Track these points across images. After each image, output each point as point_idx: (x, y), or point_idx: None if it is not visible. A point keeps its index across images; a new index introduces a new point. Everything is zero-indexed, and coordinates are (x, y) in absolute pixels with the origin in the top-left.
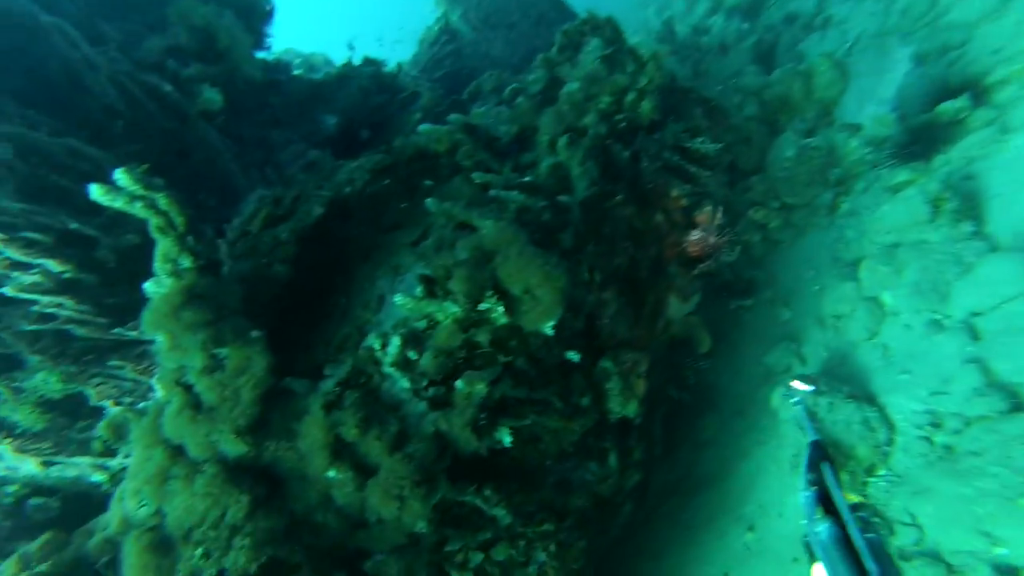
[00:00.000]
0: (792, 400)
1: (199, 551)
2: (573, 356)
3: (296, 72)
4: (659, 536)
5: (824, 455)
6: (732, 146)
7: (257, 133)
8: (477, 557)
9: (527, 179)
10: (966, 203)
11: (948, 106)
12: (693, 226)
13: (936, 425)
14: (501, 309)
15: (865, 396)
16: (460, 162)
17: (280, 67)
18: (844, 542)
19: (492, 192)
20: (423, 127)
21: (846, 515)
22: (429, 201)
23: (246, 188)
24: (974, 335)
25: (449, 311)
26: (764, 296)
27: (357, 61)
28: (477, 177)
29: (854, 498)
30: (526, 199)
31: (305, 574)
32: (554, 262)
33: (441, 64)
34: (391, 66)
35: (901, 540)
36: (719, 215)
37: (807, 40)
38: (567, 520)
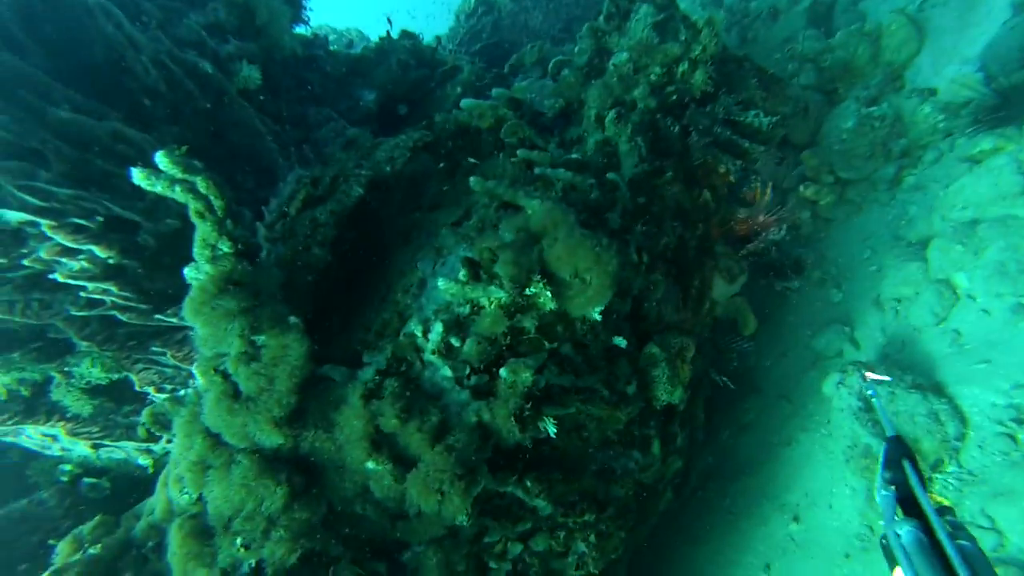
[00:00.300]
0: (868, 392)
1: (239, 541)
2: (620, 342)
3: (332, 47)
4: (698, 521)
5: (906, 451)
6: (787, 119)
7: (295, 111)
8: (516, 548)
9: (574, 156)
10: None
11: None
12: (741, 204)
13: (1021, 421)
14: (548, 294)
15: (931, 386)
16: (504, 138)
17: (318, 42)
18: (930, 547)
19: (538, 170)
20: (465, 102)
21: (933, 518)
22: (472, 180)
23: (284, 168)
24: None
25: (494, 296)
26: (812, 277)
27: (394, 35)
28: (522, 154)
29: (943, 500)
30: (573, 177)
31: (344, 566)
32: (605, 244)
33: (478, 37)
34: (428, 40)
35: (983, 546)
36: (768, 192)
37: None
38: (608, 510)
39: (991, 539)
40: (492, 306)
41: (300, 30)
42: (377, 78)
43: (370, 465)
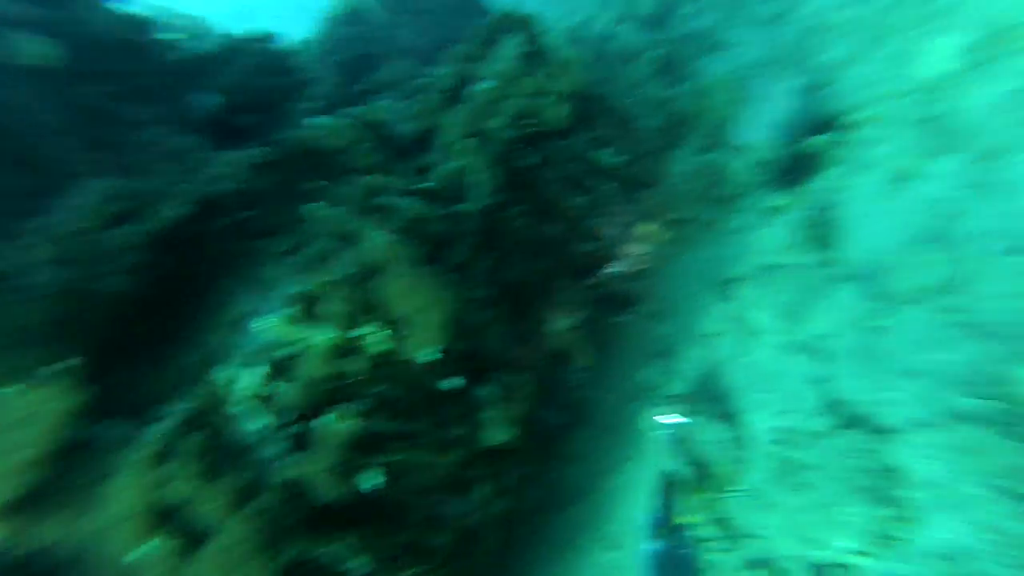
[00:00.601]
0: (663, 431)
1: None
2: (454, 383)
3: (171, 36)
4: (522, 556)
5: (671, 482)
6: (637, 159)
7: (109, 105)
8: None
9: (425, 185)
10: (824, 231)
11: (816, 140)
12: (587, 239)
13: (781, 442)
14: (381, 335)
15: (732, 415)
16: (355, 162)
17: (149, 26)
18: (660, 558)
19: (384, 199)
20: (318, 120)
21: (671, 536)
22: (311, 206)
23: (87, 173)
24: (819, 357)
25: (321, 337)
26: (644, 311)
27: (249, 32)
28: (370, 180)
29: (689, 519)
30: (421, 207)
31: None
32: (444, 283)
33: (343, 46)
34: (289, 42)
35: (749, 552)
36: (613, 228)
37: (704, 59)
38: (433, 560)
39: (760, 546)
40: (318, 347)
41: (129, 7)
42: (221, 81)
43: (145, 547)
